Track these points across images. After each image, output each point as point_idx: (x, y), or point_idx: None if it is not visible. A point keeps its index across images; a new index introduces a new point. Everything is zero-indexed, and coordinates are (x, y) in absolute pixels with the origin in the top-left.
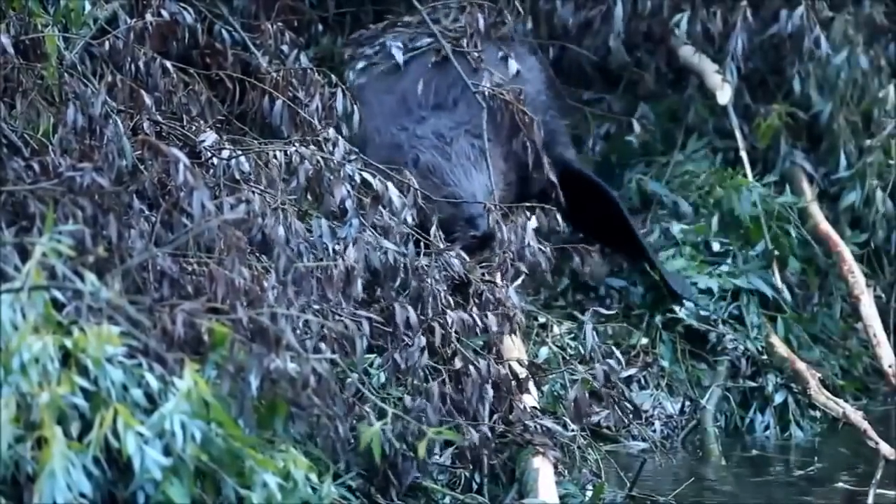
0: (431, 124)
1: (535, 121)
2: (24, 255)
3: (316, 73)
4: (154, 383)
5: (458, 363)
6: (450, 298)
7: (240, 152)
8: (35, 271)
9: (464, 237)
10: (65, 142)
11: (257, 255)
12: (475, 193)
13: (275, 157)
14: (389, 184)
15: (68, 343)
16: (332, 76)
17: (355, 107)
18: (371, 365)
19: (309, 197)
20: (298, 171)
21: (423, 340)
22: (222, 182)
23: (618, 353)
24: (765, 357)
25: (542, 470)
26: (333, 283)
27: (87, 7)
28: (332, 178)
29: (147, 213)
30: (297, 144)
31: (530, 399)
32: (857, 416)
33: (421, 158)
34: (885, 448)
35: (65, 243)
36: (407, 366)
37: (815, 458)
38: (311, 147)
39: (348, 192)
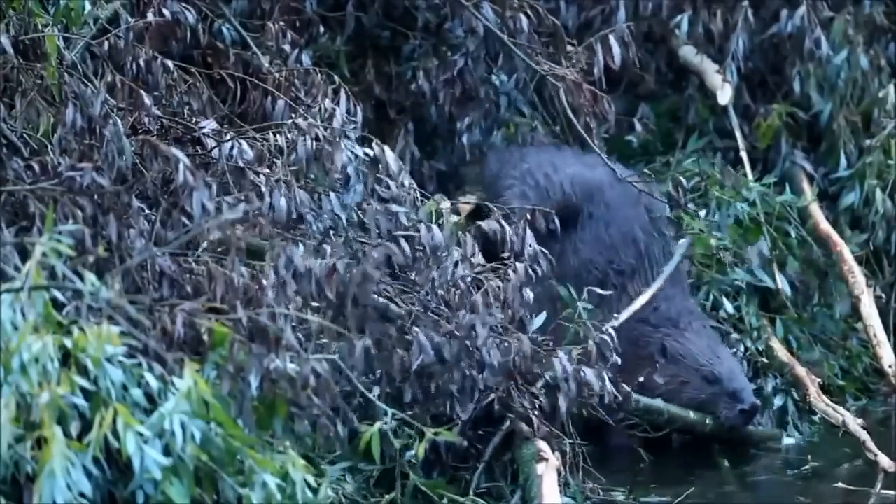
0: (670, 303)
1: (604, 98)
2: (24, 255)
3: (318, 74)
4: (154, 383)
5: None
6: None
7: (241, 140)
8: (35, 271)
9: (731, 412)
10: (64, 142)
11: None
12: (732, 368)
13: (275, 137)
14: (386, 147)
15: (68, 343)
16: (335, 76)
17: (358, 107)
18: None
19: (313, 173)
20: (298, 143)
21: (457, 254)
22: (227, 168)
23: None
24: (764, 359)
25: (546, 478)
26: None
27: (87, 7)
28: (330, 147)
29: (147, 212)
30: (294, 115)
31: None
32: (856, 426)
33: (667, 346)
34: (883, 460)
35: (65, 243)
36: (442, 281)
37: (814, 458)
38: (309, 119)
39: (349, 157)
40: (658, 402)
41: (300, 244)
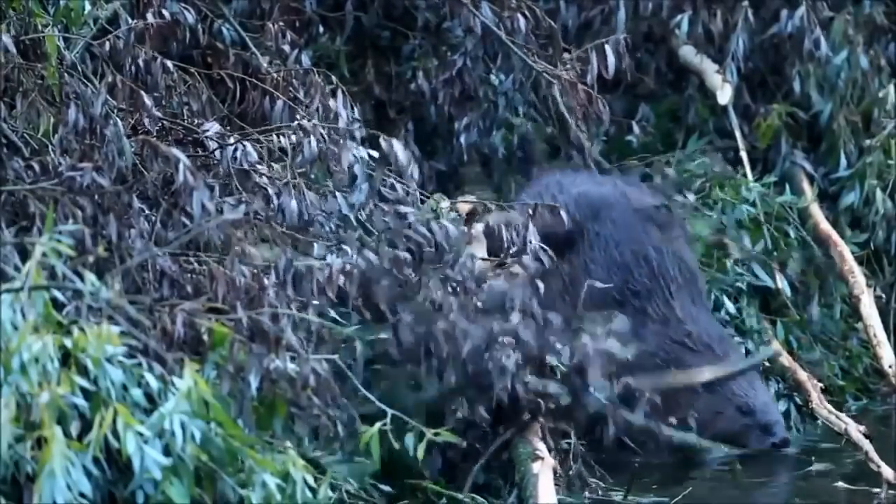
0: (699, 326)
1: (598, 99)
2: (24, 255)
3: (317, 74)
4: (154, 383)
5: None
6: None
7: (245, 142)
8: (35, 271)
9: (761, 444)
10: (65, 142)
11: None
12: (766, 402)
13: (279, 139)
14: (394, 140)
15: (68, 343)
16: (332, 76)
17: (355, 108)
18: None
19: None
20: (303, 144)
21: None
22: (232, 170)
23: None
24: (766, 362)
25: (542, 477)
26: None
27: (87, 7)
28: (336, 148)
29: (147, 212)
30: (298, 117)
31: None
32: (858, 435)
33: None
34: (886, 472)
35: (65, 243)
36: (461, 274)
37: (815, 458)
38: (314, 120)
39: (355, 157)
40: (691, 437)
41: (314, 244)
